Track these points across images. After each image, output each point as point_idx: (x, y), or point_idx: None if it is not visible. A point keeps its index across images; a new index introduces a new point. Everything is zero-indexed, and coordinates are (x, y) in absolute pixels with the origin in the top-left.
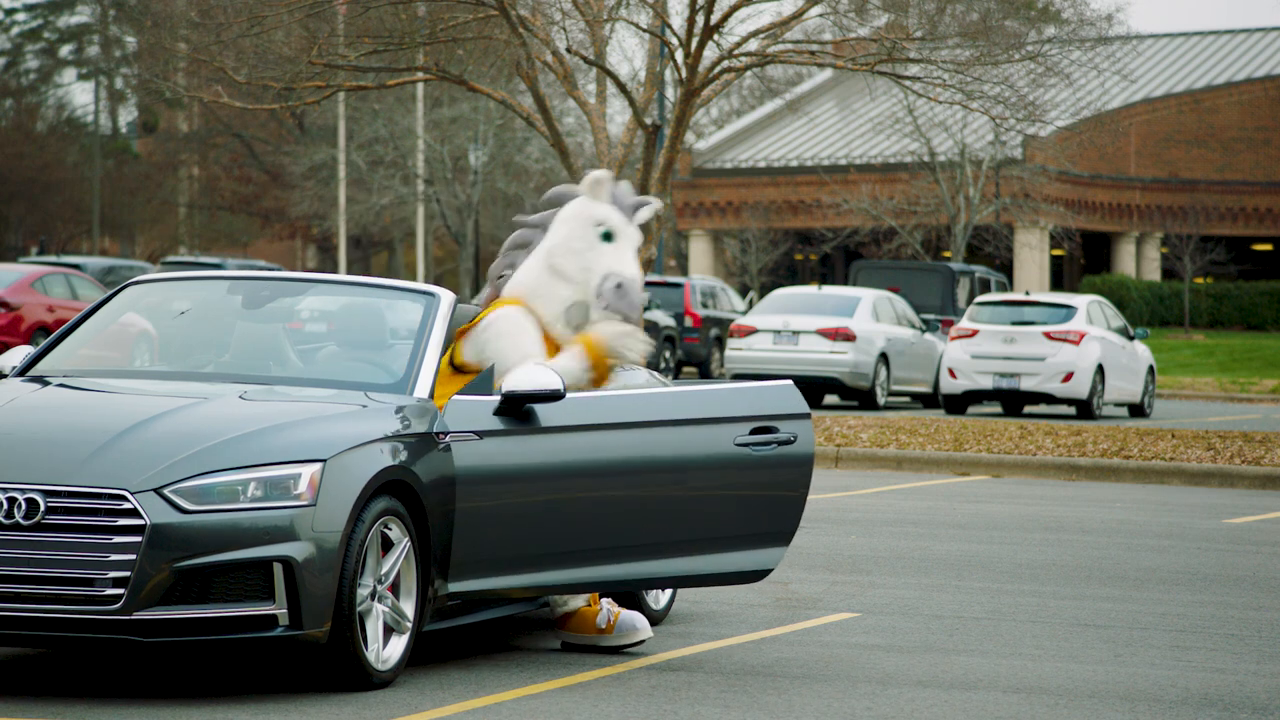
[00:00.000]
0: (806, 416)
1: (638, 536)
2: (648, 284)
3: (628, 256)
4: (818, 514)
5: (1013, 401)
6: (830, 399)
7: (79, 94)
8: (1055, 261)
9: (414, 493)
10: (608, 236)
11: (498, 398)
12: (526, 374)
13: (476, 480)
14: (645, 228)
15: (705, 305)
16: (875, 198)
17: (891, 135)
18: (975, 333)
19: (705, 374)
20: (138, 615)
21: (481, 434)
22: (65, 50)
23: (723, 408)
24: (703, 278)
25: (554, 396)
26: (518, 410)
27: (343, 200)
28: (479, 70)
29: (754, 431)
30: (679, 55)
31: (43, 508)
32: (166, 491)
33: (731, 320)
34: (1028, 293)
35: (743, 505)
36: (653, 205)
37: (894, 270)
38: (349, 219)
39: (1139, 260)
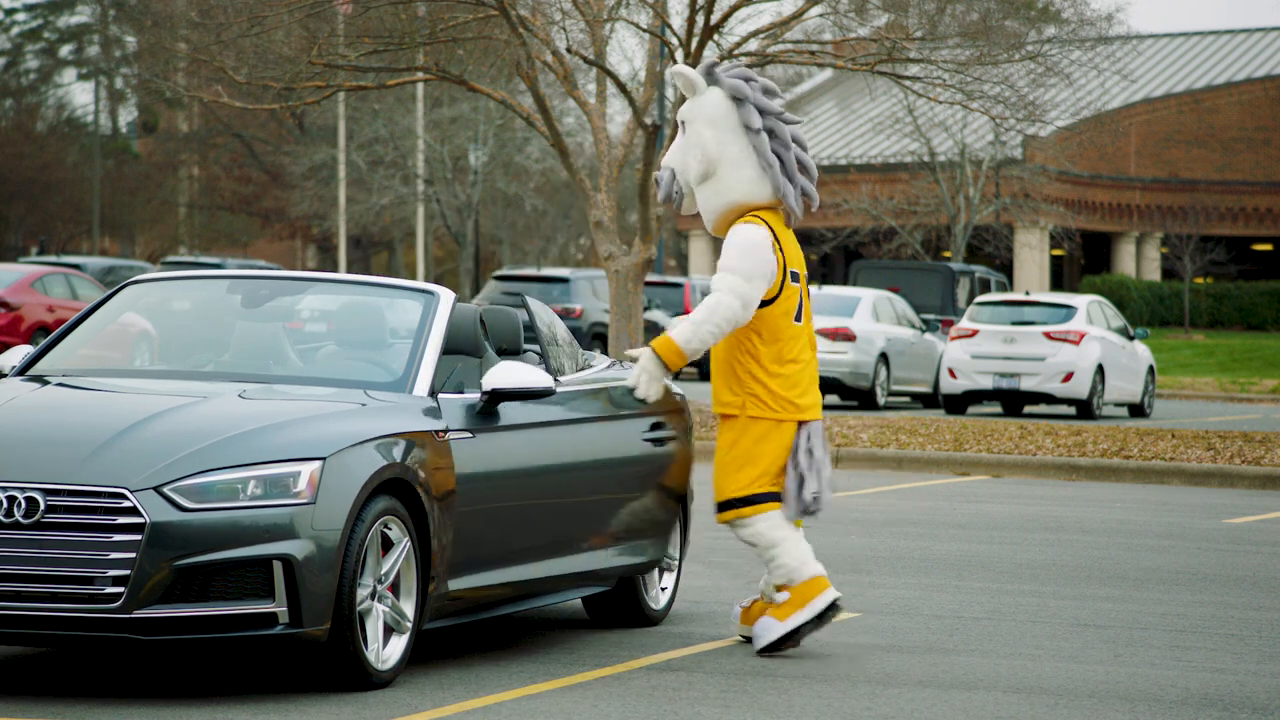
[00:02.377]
0: (679, 412)
1: (582, 531)
2: (648, 284)
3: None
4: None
5: (1013, 401)
6: (830, 399)
7: (79, 94)
8: (1055, 261)
9: (414, 491)
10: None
11: (483, 395)
12: (510, 371)
13: (472, 478)
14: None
15: None
16: (875, 198)
17: (891, 135)
18: (975, 333)
19: (705, 374)
20: (138, 613)
21: (475, 431)
22: (65, 50)
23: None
24: (703, 278)
25: (546, 393)
26: (494, 408)
27: (343, 200)
28: (479, 70)
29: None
30: (679, 55)
31: (42, 506)
32: (166, 490)
33: None
34: (1028, 293)
35: (645, 498)
36: (673, 70)
37: (894, 270)
38: (349, 219)
39: (1139, 260)
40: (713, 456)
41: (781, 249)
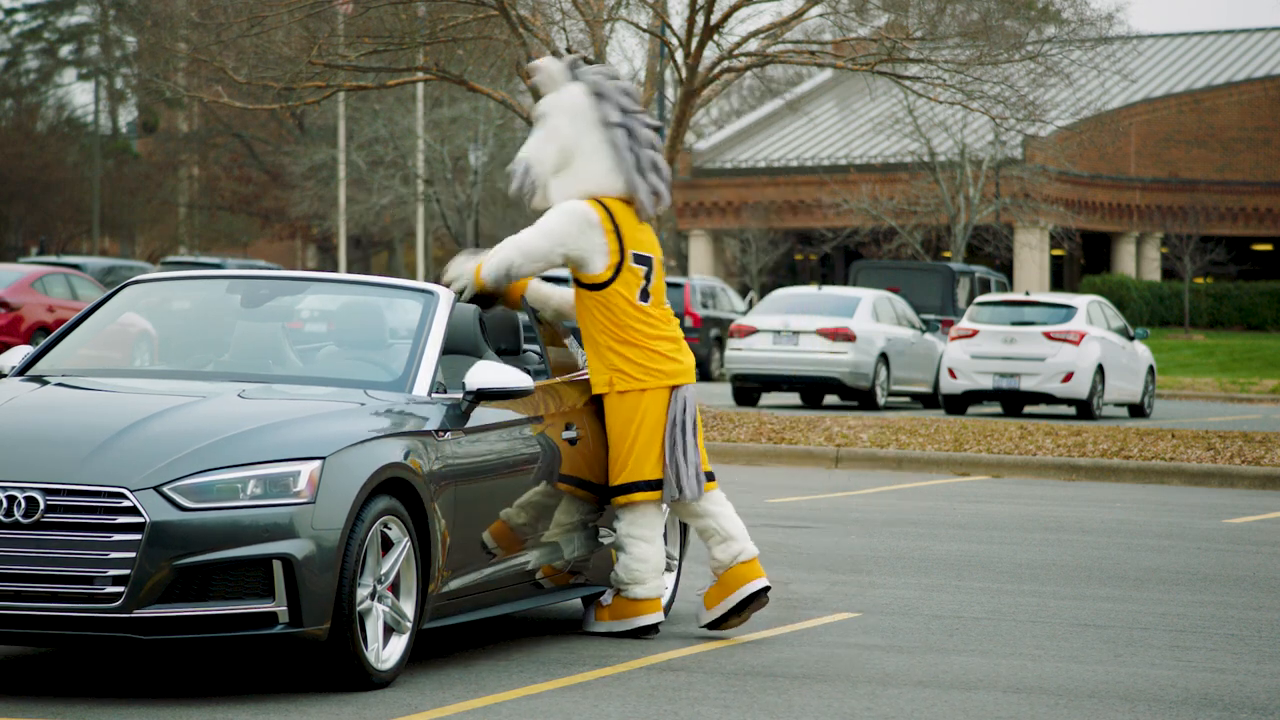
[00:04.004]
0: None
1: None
2: None
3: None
4: (818, 514)
5: (1013, 401)
6: (830, 399)
7: (79, 94)
8: (1055, 261)
9: (414, 491)
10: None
11: (467, 395)
12: (492, 370)
13: (469, 475)
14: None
15: (705, 305)
16: (875, 198)
17: (891, 135)
18: (975, 333)
19: (705, 374)
20: (138, 613)
21: (469, 430)
22: (65, 50)
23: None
24: (703, 278)
25: (527, 393)
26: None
27: (343, 200)
28: (479, 70)
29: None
30: (679, 55)
31: (42, 506)
32: (166, 489)
33: (731, 320)
34: (1028, 293)
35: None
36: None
37: (894, 270)
38: (349, 219)
39: (1139, 260)
40: (714, 457)
41: (620, 233)
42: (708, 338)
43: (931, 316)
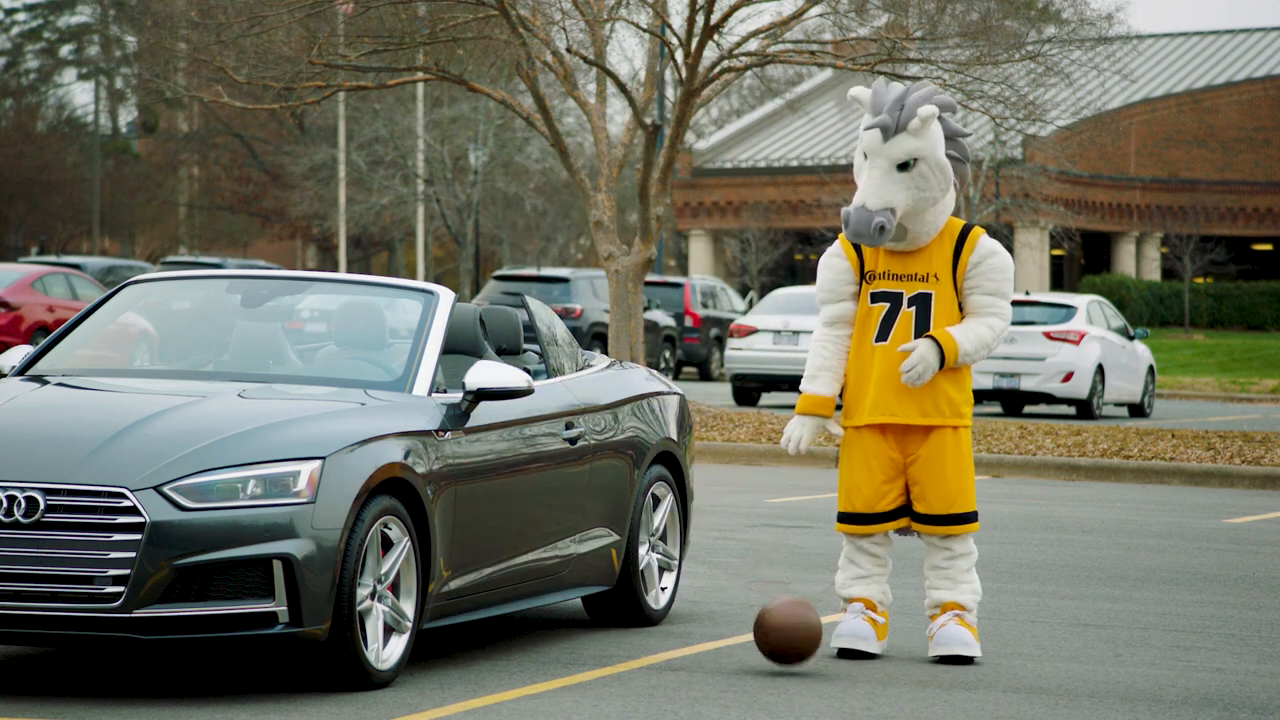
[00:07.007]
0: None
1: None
2: (648, 284)
3: (865, 177)
4: (817, 514)
5: (1013, 401)
6: None
7: (79, 94)
8: (1055, 261)
9: (414, 491)
10: (866, 156)
11: (466, 395)
12: (492, 370)
13: (468, 475)
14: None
15: (705, 305)
16: None
17: None
18: None
19: (705, 374)
20: (137, 613)
21: (469, 430)
22: (65, 50)
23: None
24: (703, 278)
25: (527, 392)
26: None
27: (343, 200)
28: (479, 70)
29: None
30: (679, 55)
31: (42, 506)
32: (166, 489)
33: (731, 320)
34: (1028, 293)
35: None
36: (917, 99)
37: None
38: (349, 219)
39: (1139, 260)
40: (714, 457)
41: None
42: (708, 338)
43: None
